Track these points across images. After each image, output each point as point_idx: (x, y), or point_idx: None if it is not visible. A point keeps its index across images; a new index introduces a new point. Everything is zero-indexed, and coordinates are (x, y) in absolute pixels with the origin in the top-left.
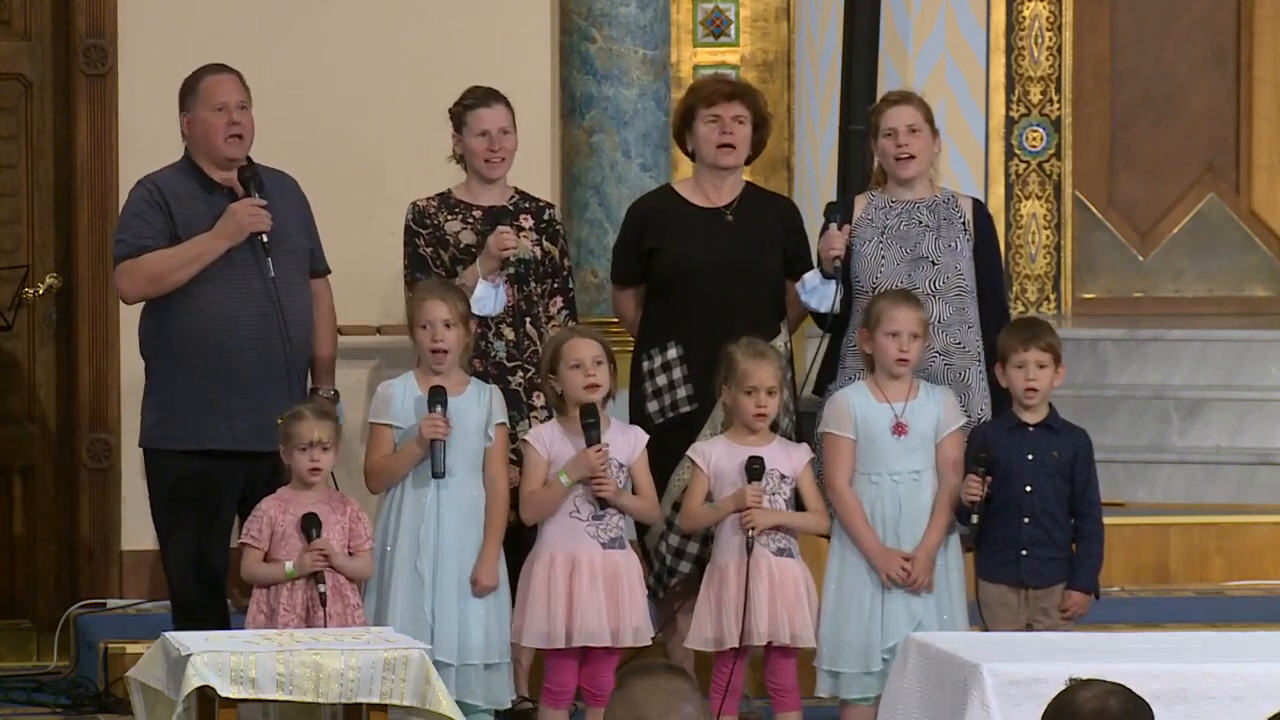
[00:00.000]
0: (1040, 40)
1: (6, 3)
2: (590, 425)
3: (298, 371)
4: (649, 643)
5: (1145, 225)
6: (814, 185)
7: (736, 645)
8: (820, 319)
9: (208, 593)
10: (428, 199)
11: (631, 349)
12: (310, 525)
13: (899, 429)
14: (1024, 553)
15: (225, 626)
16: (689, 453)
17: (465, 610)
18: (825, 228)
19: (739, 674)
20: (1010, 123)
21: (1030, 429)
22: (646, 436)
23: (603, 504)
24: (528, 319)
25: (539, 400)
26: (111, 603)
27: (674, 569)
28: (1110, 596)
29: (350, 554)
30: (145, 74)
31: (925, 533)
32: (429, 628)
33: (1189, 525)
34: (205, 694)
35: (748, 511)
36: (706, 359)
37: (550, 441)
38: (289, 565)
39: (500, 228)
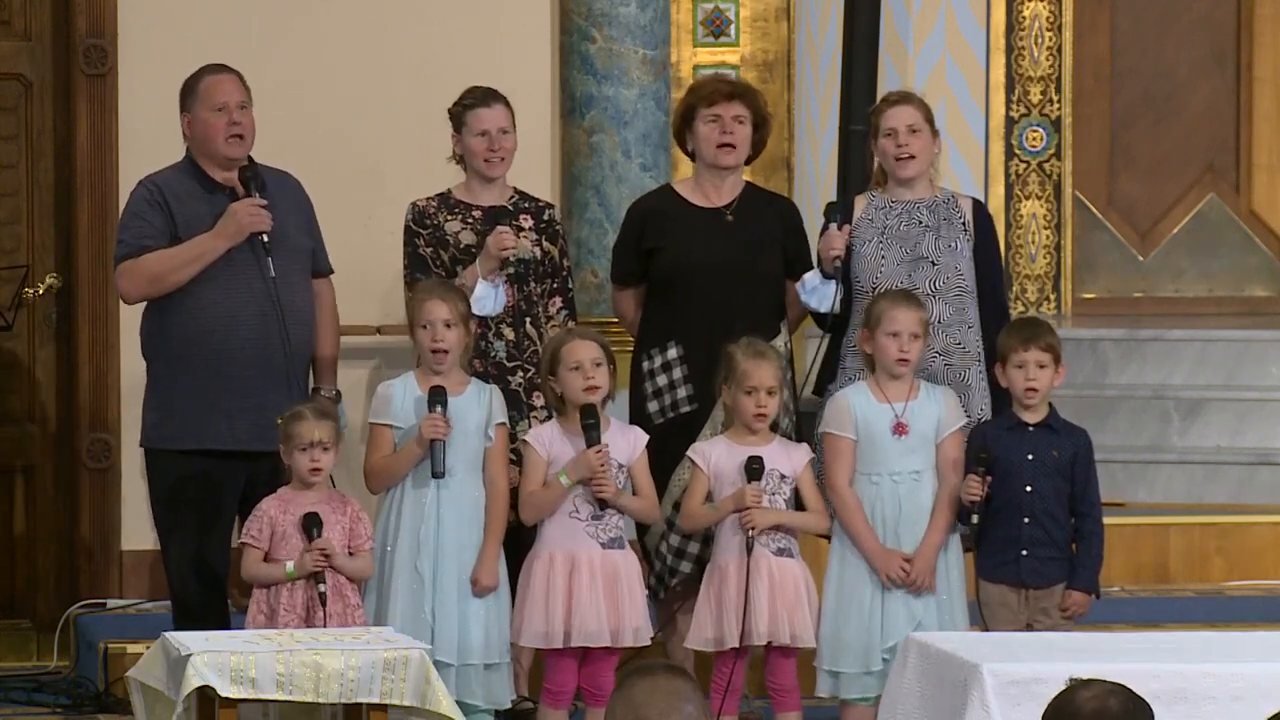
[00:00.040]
0: (1040, 40)
1: (6, 3)
2: (590, 426)
3: (298, 371)
4: (648, 643)
5: (1145, 225)
6: (814, 185)
7: (736, 645)
8: (820, 319)
9: (208, 593)
10: (427, 199)
11: (631, 349)
12: (311, 525)
13: (899, 429)
14: (1024, 553)
15: (225, 626)
16: (689, 453)
17: (465, 610)
18: (825, 228)
19: (739, 674)
20: (1010, 123)
21: (1030, 429)
22: (646, 437)
23: (602, 505)
24: (527, 319)
25: (539, 400)
26: (111, 603)
27: (675, 569)
28: (1110, 596)
29: (350, 554)
30: (145, 74)
31: (926, 533)
32: (429, 628)
33: (1189, 525)
34: (205, 694)
35: (747, 511)
36: (706, 359)
37: (550, 442)
38: (290, 565)
39: (499, 227)
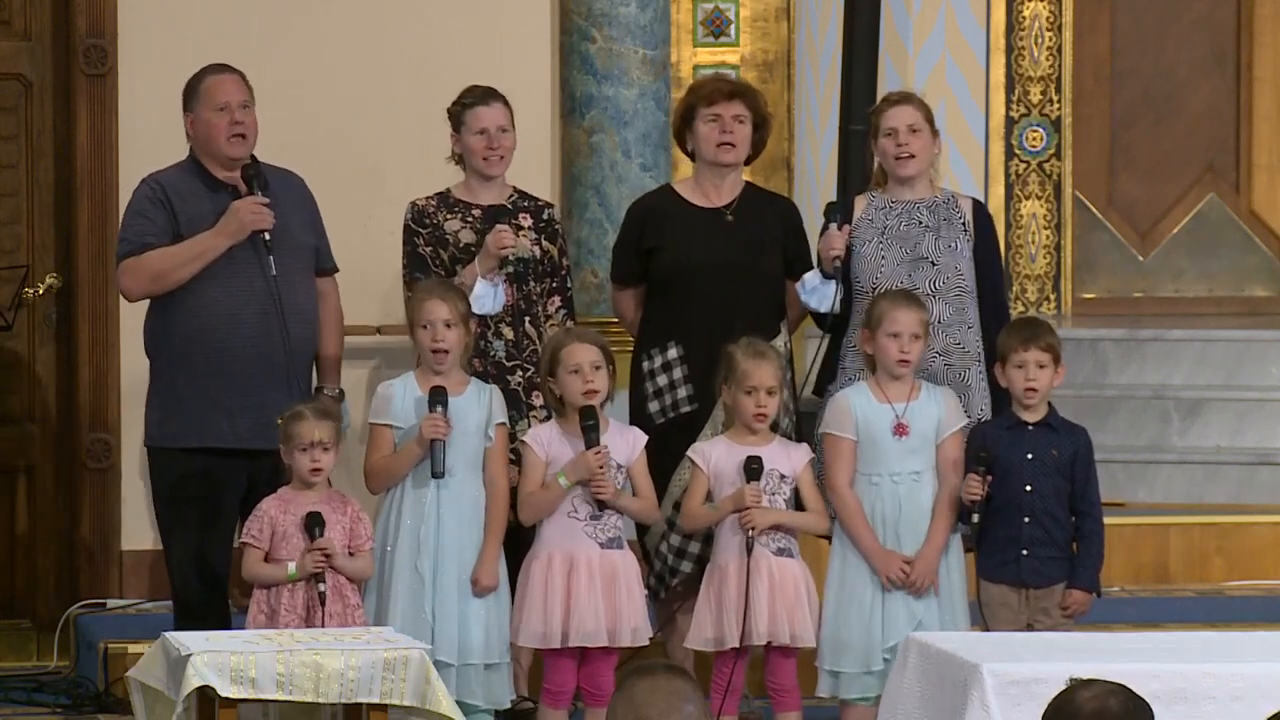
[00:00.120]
0: (1040, 40)
1: (6, 3)
2: (589, 428)
3: (299, 370)
4: (646, 643)
5: (1145, 225)
6: (814, 185)
7: (736, 645)
8: (820, 319)
9: (209, 591)
10: (426, 198)
11: (631, 349)
12: (313, 524)
13: (900, 430)
14: (1024, 552)
15: (226, 625)
16: (689, 453)
17: (465, 610)
18: (825, 228)
19: (739, 674)
20: (1010, 123)
21: (1030, 428)
22: (645, 438)
23: (601, 505)
24: (527, 318)
25: (538, 400)
26: (111, 603)
27: (675, 569)
28: (1110, 596)
29: (351, 554)
30: (145, 74)
31: (928, 535)
32: (429, 628)
33: (1189, 525)
34: (205, 694)
35: (747, 511)
36: (707, 359)
37: (548, 442)
38: (291, 567)
39: (499, 226)
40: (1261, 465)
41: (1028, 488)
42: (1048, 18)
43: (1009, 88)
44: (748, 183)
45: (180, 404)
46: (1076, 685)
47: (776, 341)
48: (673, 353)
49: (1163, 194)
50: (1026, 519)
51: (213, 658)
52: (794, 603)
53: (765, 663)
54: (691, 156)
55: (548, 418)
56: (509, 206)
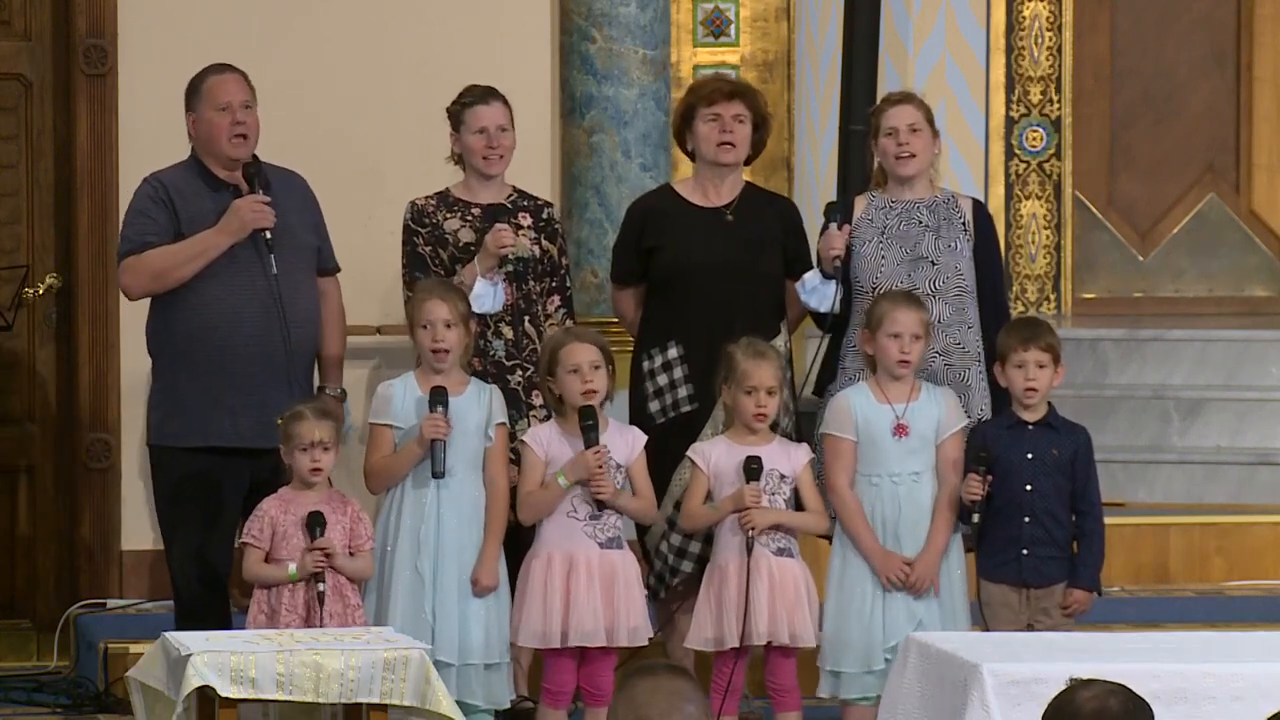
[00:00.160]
0: (1040, 40)
1: (6, 3)
2: (589, 428)
3: (300, 369)
4: (645, 643)
5: (1145, 225)
6: (814, 185)
7: (736, 645)
8: (820, 319)
9: (211, 590)
10: (426, 197)
11: (631, 349)
12: (315, 524)
13: (900, 430)
14: (1025, 552)
15: (227, 624)
16: (689, 453)
17: (465, 610)
18: (825, 228)
19: (739, 674)
20: (1010, 123)
21: (1030, 427)
22: (645, 438)
23: (600, 505)
24: (526, 317)
25: (538, 399)
26: (111, 603)
27: (676, 568)
28: (1110, 596)
29: (351, 554)
30: (145, 74)
31: (929, 536)
32: (429, 628)
33: (1189, 525)
34: (205, 694)
35: (746, 511)
36: (707, 358)
37: (548, 442)
38: (292, 567)
39: (498, 225)
40: (1261, 465)
41: (1028, 487)
42: (1048, 18)
43: (1009, 88)
44: (747, 183)
45: (182, 403)
46: (1076, 685)
47: (776, 341)
48: (673, 352)
49: (1163, 194)
50: (1027, 518)
51: (213, 658)
52: (794, 603)
53: (765, 663)
54: (691, 156)
55: (547, 417)
56: (508, 206)
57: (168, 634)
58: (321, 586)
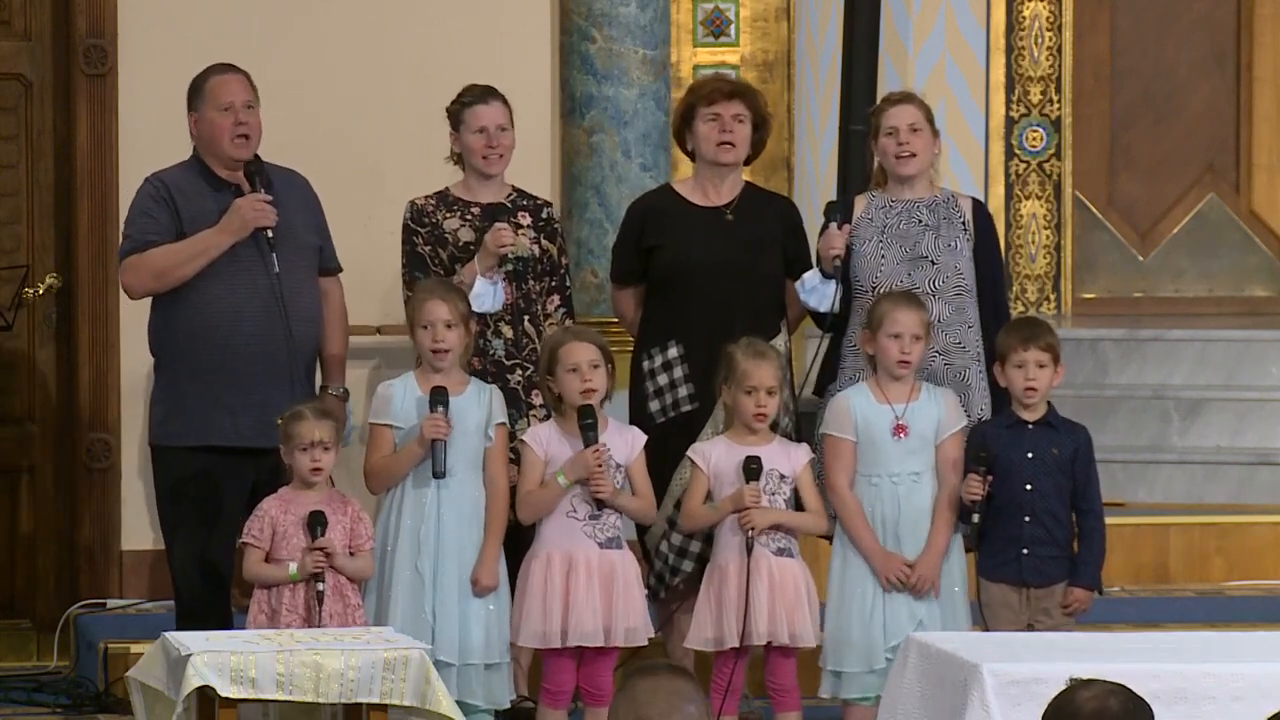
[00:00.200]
0: (1040, 40)
1: (6, 3)
2: (588, 426)
3: (302, 368)
4: (644, 643)
5: (1145, 225)
6: (814, 185)
7: (737, 645)
8: (819, 318)
9: (212, 590)
10: (425, 197)
11: (631, 349)
12: (316, 523)
13: (899, 430)
14: (1025, 551)
15: (228, 624)
16: (689, 453)
17: (466, 610)
18: (825, 227)
19: (739, 674)
20: (1010, 123)
21: (1030, 427)
22: (644, 437)
23: (600, 504)
24: (526, 317)
25: (538, 399)
26: (111, 603)
27: (677, 568)
28: (1110, 596)
29: (351, 554)
30: (145, 74)
31: (929, 537)
32: (429, 628)
33: (1189, 525)
34: (205, 694)
35: (746, 512)
36: (707, 358)
37: (547, 442)
38: (292, 567)
39: (498, 224)
40: (1261, 465)
41: (1028, 486)
42: (1048, 18)
43: (1009, 88)
44: (747, 182)
45: (183, 402)
46: (1076, 685)
47: (776, 341)
48: (673, 352)
49: (1163, 194)
50: (1027, 518)
51: (213, 658)
52: (794, 603)
53: (765, 663)
54: (691, 156)
55: (547, 417)
56: (508, 205)
57: (168, 634)
58: (321, 586)
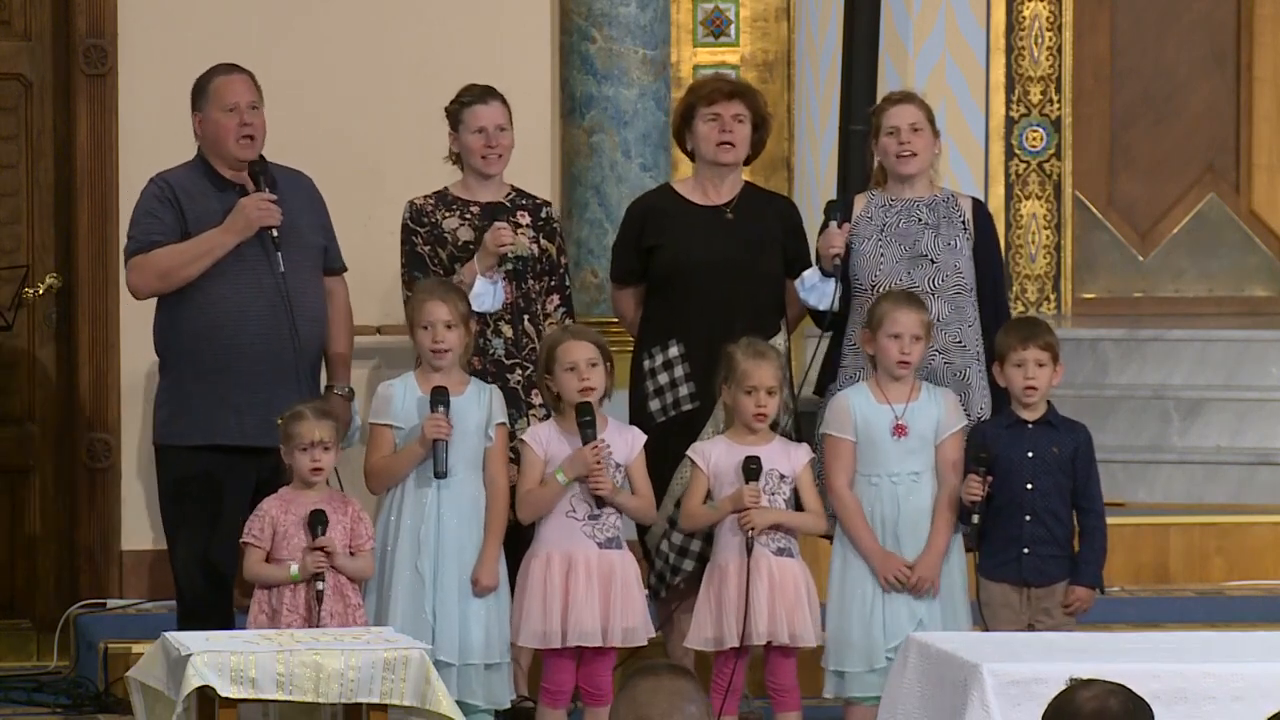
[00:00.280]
0: (1040, 40)
1: (6, 3)
2: (586, 424)
3: (307, 367)
4: (643, 643)
5: (1145, 225)
6: (814, 185)
7: (736, 645)
8: (819, 317)
9: (214, 589)
10: (424, 197)
11: (631, 349)
12: (317, 522)
13: (899, 430)
14: (1026, 551)
15: (230, 623)
16: (689, 452)
17: (466, 610)
18: (825, 226)
19: (739, 674)
20: (1010, 123)
21: (1030, 426)
22: (644, 437)
23: (599, 503)
24: (526, 316)
25: (537, 398)
26: (111, 603)
27: (678, 567)
28: (1110, 596)
29: (351, 554)
30: (145, 74)
31: (929, 538)
32: (430, 628)
33: (1189, 525)
34: (205, 694)
35: (746, 512)
36: (707, 357)
37: (547, 441)
38: (293, 567)
39: (497, 224)
40: (1261, 465)
41: (1028, 486)
42: (1048, 18)
43: (1009, 88)
44: (747, 182)
45: (188, 401)
46: (1076, 685)
47: (776, 341)
48: (673, 351)
49: (1163, 194)
50: (1028, 517)
51: (213, 658)
52: (794, 603)
53: (765, 663)
54: (691, 156)
55: (547, 416)
56: (507, 204)
57: (168, 634)
58: (321, 585)
